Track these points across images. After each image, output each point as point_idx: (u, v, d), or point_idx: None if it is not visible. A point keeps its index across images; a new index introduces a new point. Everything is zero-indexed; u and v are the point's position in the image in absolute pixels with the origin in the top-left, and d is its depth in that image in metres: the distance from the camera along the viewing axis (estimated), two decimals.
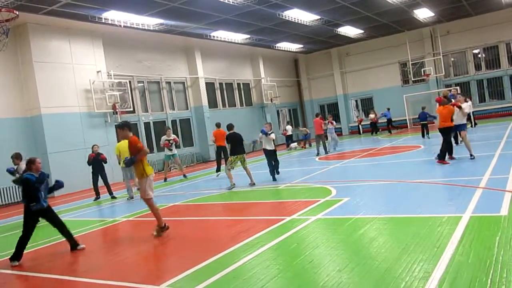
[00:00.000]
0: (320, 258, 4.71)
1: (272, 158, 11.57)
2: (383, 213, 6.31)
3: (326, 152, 17.30)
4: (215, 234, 6.69)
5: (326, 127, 18.20)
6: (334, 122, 18.63)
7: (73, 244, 6.46)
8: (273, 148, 11.60)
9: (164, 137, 14.90)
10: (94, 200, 12.32)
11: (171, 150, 14.84)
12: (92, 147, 12.35)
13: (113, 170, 15.27)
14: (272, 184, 10.98)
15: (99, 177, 12.24)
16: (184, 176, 15.17)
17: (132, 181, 11.32)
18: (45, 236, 7.97)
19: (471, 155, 10.43)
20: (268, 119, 27.47)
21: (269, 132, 11.46)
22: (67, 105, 15.93)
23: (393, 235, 5.26)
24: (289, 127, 24.05)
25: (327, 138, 18.23)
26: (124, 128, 6.99)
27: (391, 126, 25.78)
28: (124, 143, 11.84)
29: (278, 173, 11.77)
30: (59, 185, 6.66)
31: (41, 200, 6.27)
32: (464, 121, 11.19)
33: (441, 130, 10.50)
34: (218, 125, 14.54)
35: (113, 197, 12.12)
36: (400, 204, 6.85)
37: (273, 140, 11.58)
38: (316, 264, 4.51)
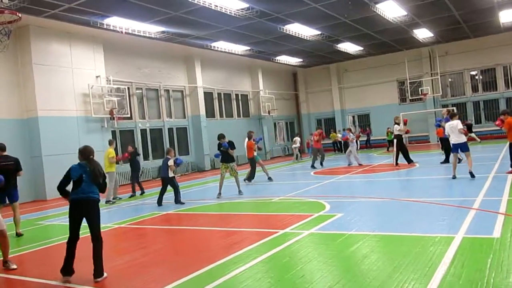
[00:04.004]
0: (311, 273, 4.68)
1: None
2: (376, 230, 6.30)
3: (320, 165, 17.48)
4: (207, 244, 6.65)
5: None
6: (352, 134, 17.65)
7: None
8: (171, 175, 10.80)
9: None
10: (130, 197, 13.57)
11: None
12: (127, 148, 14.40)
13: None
14: (266, 196, 10.98)
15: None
16: (270, 179, 14.32)
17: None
18: (34, 241, 7.90)
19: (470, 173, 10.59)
20: (265, 131, 27.56)
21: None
22: (64, 109, 15.90)
23: (385, 253, 5.25)
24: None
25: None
26: None
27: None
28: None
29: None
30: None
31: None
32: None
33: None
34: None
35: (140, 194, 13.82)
36: (393, 222, 6.84)
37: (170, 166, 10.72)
38: (307, 279, 4.48)
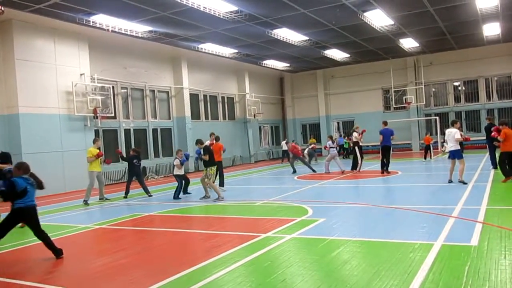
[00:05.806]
0: (292, 277, 4.68)
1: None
2: (357, 236, 6.34)
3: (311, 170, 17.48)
4: (188, 247, 6.60)
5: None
6: (331, 142, 17.27)
7: None
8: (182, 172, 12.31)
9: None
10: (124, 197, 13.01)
11: None
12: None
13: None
14: (249, 200, 10.96)
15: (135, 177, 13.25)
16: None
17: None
18: (10, 241, 7.72)
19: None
20: (250, 134, 27.57)
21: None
22: (46, 106, 15.62)
23: (366, 258, 5.28)
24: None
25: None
26: None
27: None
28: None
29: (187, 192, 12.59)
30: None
31: None
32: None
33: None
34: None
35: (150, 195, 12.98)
36: (375, 228, 6.90)
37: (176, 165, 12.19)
38: (288, 284, 4.48)
